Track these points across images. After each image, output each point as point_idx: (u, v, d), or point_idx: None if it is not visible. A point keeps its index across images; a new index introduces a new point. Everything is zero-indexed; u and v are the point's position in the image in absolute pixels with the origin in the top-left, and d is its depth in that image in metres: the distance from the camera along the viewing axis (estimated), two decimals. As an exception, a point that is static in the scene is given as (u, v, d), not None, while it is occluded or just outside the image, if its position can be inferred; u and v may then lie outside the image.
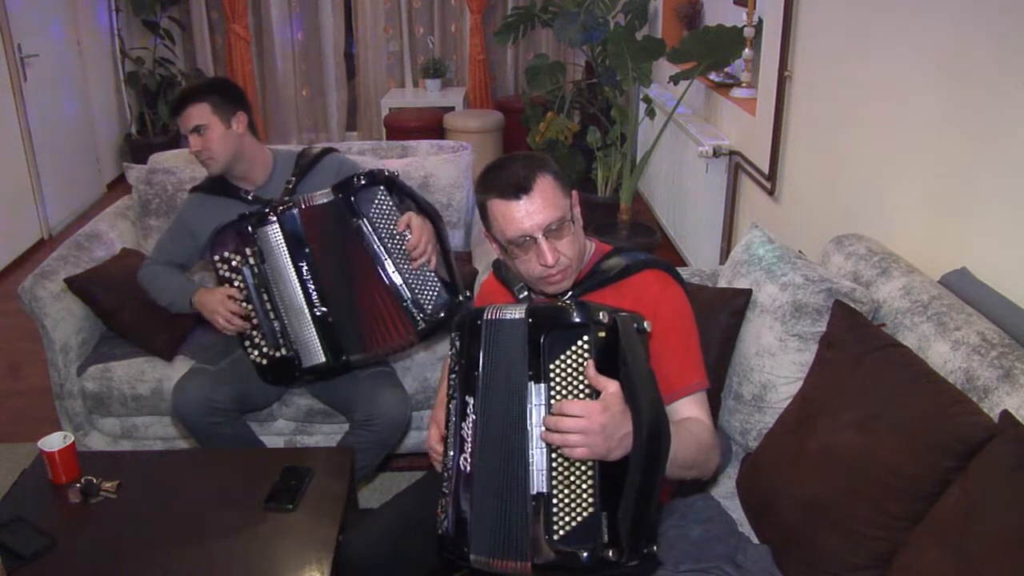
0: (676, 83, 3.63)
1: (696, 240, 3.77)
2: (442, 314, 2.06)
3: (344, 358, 2.10)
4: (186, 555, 1.65)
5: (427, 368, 2.40)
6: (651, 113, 4.22)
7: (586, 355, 1.25)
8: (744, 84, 3.47)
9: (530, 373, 1.28)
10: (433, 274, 2.08)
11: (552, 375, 1.27)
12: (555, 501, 1.27)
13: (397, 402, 2.13)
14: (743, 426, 1.89)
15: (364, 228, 2.03)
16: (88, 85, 5.26)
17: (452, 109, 5.82)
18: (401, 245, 2.04)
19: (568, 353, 1.26)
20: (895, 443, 1.40)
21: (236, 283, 2.11)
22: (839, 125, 2.40)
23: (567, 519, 1.27)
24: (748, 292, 1.92)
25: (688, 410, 1.47)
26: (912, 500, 1.35)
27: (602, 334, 1.24)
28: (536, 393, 1.27)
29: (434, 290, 2.08)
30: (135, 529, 1.72)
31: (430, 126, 5.50)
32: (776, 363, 1.82)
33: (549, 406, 1.26)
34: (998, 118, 1.68)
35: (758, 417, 1.85)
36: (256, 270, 2.07)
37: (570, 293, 1.49)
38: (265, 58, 6.18)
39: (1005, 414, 1.30)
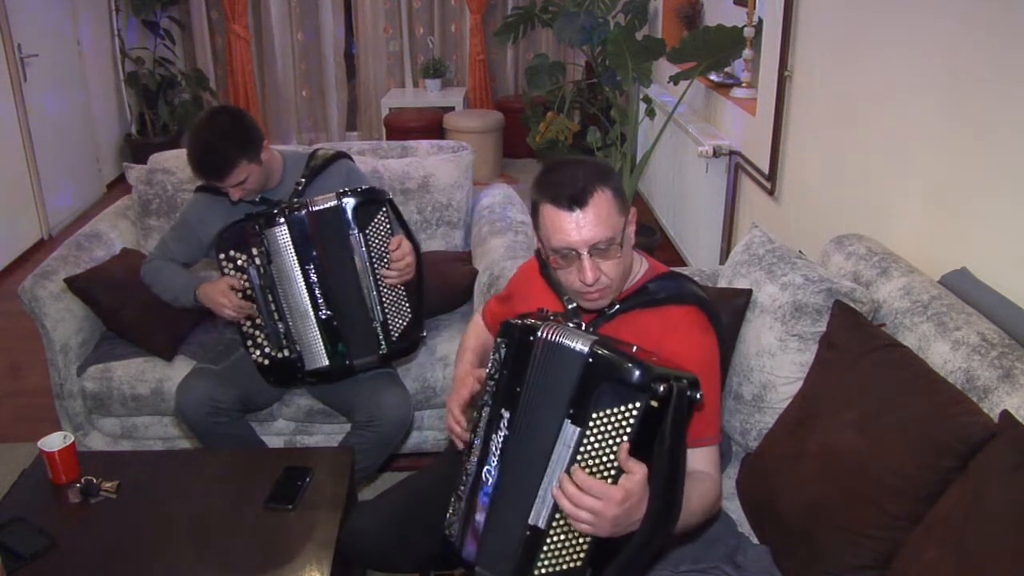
0: (676, 83, 3.63)
1: (696, 240, 3.77)
2: (404, 344, 2.13)
3: (347, 362, 2.10)
4: (186, 555, 1.65)
5: (427, 368, 2.40)
6: (651, 113, 4.22)
7: (632, 419, 1.19)
8: (744, 84, 3.47)
9: (571, 412, 1.23)
10: (407, 303, 2.12)
11: (591, 423, 1.22)
12: (548, 541, 1.27)
13: (399, 403, 2.13)
14: (743, 426, 1.89)
15: (358, 241, 2.04)
16: (88, 85, 5.26)
17: (452, 109, 5.83)
18: (385, 267, 2.07)
19: (615, 410, 1.20)
20: (895, 443, 1.40)
21: (242, 281, 2.11)
22: (839, 125, 2.40)
23: (553, 563, 1.27)
24: (748, 292, 1.92)
25: (699, 462, 1.40)
26: (912, 500, 1.35)
27: (654, 403, 1.18)
28: (570, 434, 1.23)
29: (405, 318, 2.13)
30: (135, 529, 1.72)
31: (430, 126, 5.51)
32: (776, 363, 1.82)
33: (577, 452, 1.23)
34: (998, 118, 1.68)
35: (758, 417, 1.85)
36: (262, 271, 2.06)
37: (617, 307, 1.44)
38: (265, 58, 6.18)
39: (1005, 414, 1.30)
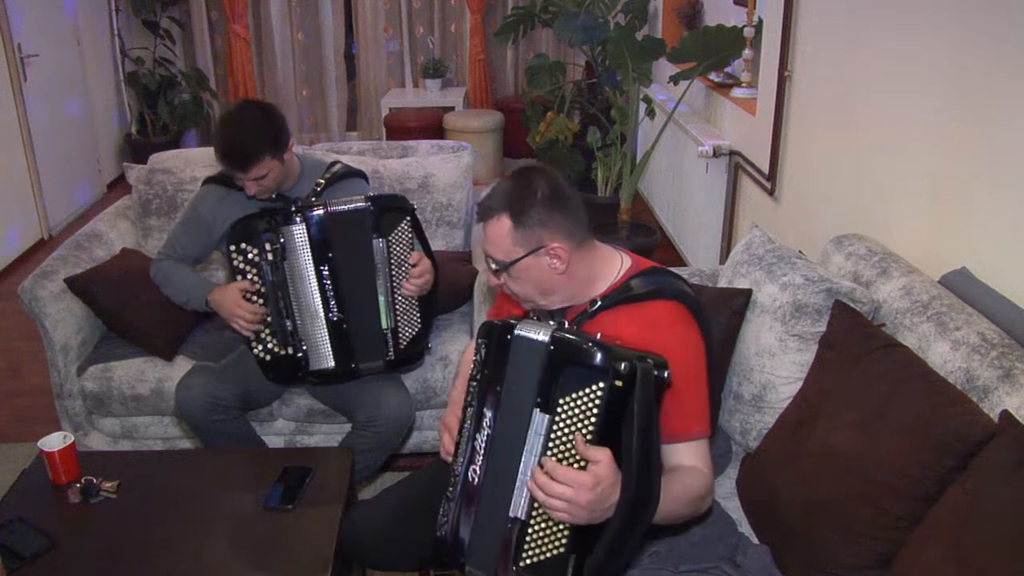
0: (676, 83, 3.63)
1: (696, 240, 3.77)
2: (410, 352, 2.16)
3: (353, 365, 2.10)
4: (186, 555, 1.65)
5: (427, 368, 2.40)
6: (651, 113, 4.22)
7: (597, 400, 1.22)
8: (744, 84, 3.47)
9: (538, 400, 1.26)
10: (418, 312, 2.14)
11: (559, 409, 1.25)
12: (530, 531, 1.28)
13: (400, 403, 2.13)
14: (743, 426, 1.89)
15: (379, 247, 2.05)
16: (88, 85, 5.26)
17: (452, 109, 5.82)
18: (404, 276, 2.08)
19: (580, 393, 1.23)
20: (895, 443, 1.40)
21: (250, 276, 2.09)
22: (839, 125, 2.40)
23: (537, 551, 1.28)
24: (748, 292, 1.92)
25: (685, 456, 1.41)
26: (912, 500, 1.35)
27: (619, 383, 1.20)
28: (539, 422, 1.26)
29: (414, 328, 2.15)
30: (135, 529, 1.72)
31: (430, 126, 5.50)
32: (776, 363, 1.82)
33: (549, 439, 1.25)
34: (998, 118, 1.68)
35: (758, 417, 1.85)
36: (275, 267, 2.05)
37: (599, 304, 1.45)
38: (265, 58, 6.18)
39: (1005, 414, 1.30)
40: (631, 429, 1.21)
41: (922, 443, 1.36)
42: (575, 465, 1.23)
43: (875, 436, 1.44)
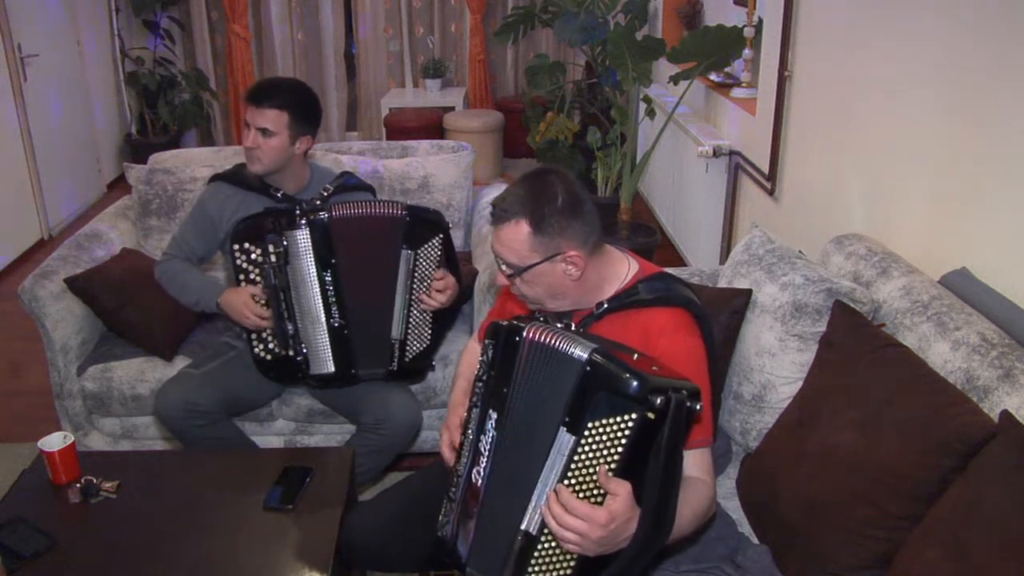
0: (676, 83, 3.63)
1: (696, 240, 3.77)
2: (414, 366, 2.17)
3: (352, 371, 2.10)
4: (186, 555, 1.65)
5: (427, 368, 2.40)
6: (651, 113, 4.22)
7: (628, 430, 1.17)
8: (744, 84, 3.47)
9: (566, 419, 1.22)
10: (430, 329, 2.14)
11: (587, 432, 1.21)
12: (539, 547, 1.26)
13: (408, 407, 2.12)
14: (743, 426, 1.89)
15: (406, 257, 2.05)
16: (88, 85, 5.25)
17: (452, 109, 5.83)
18: (424, 291, 2.09)
19: (610, 420, 1.19)
20: (895, 443, 1.40)
21: (252, 275, 2.08)
22: (839, 125, 2.40)
23: (543, 568, 1.27)
24: (748, 292, 1.92)
25: (688, 465, 1.37)
26: (912, 500, 1.35)
27: (651, 415, 1.16)
28: (565, 442, 1.22)
29: (423, 343, 2.15)
30: (135, 529, 1.72)
31: (430, 126, 5.51)
32: (776, 363, 1.82)
33: (571, 460, 1.22)
34: (998, 118, 1.68)
35: (758, 417, 1.85)
36: (278, 270, 2.04)
37: (605, 307, 1.45)
38: (265, 58, 6.18)
39: (1005, 414, 1.30)
40: (657, 461, 1.18)
41: (922, 443, 1.36)
42: (593, 491, 1.21)
43: (875, 436, 1.44)
